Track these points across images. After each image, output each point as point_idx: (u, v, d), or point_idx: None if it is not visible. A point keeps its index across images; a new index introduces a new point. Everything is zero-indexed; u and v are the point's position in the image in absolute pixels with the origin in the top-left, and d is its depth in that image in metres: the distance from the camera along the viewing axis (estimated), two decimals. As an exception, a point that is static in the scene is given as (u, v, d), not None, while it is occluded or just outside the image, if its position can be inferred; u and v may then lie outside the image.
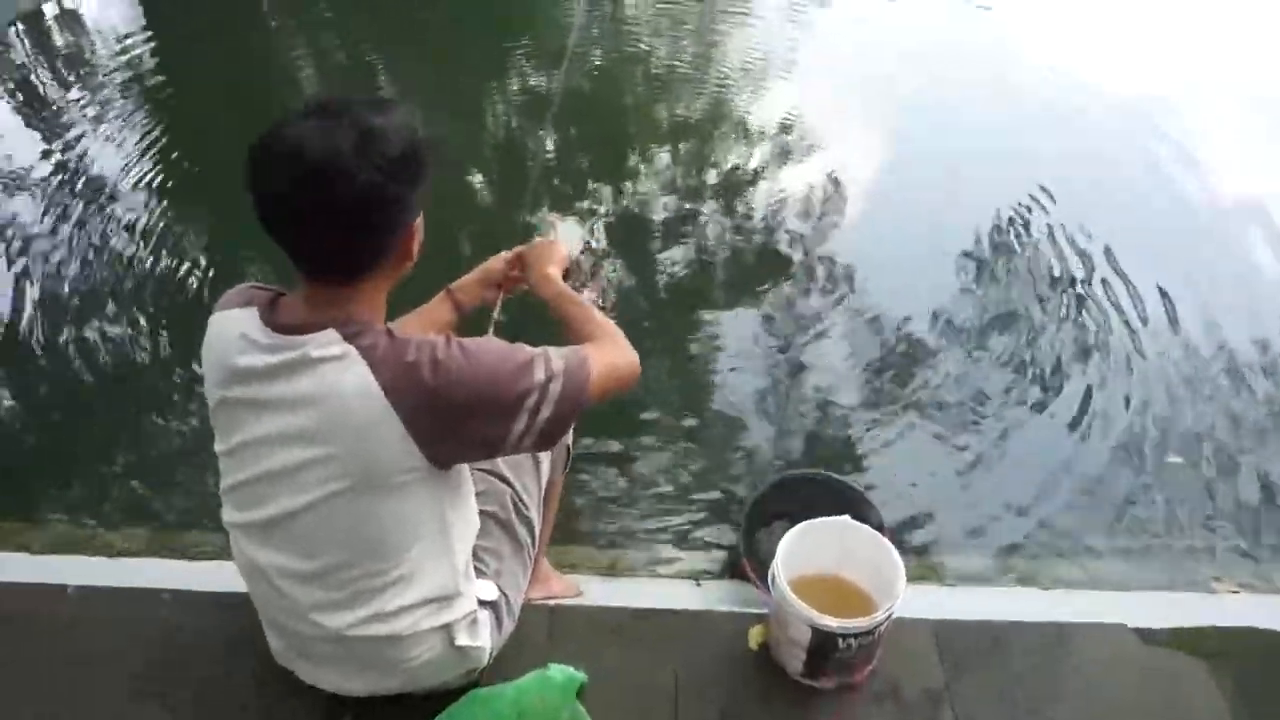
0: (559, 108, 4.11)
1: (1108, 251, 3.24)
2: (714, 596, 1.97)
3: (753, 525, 2.03)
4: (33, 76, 4.57)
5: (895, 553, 1.61)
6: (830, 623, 1.51)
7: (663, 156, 3.99)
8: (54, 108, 4.25)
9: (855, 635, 1.53)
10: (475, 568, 1.45)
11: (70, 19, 5.09)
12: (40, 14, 5.00)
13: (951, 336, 2.97)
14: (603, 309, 1.51)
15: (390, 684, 1.42)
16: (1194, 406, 2.72)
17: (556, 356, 1.26)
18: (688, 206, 3.59)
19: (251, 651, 1.52)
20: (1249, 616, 1.90)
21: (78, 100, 4.30)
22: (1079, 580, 2.20)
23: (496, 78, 4.54)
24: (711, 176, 3.83)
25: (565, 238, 1.69)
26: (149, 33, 4.85)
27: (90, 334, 2.95)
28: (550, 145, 4.03)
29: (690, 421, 2.67)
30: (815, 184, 3.69)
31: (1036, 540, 2.35)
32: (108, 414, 2.71)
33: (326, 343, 1.17)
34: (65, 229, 3.40)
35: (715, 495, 2.44)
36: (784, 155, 3.97)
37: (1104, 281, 3.13)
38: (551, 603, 1.79)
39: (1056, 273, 3.20)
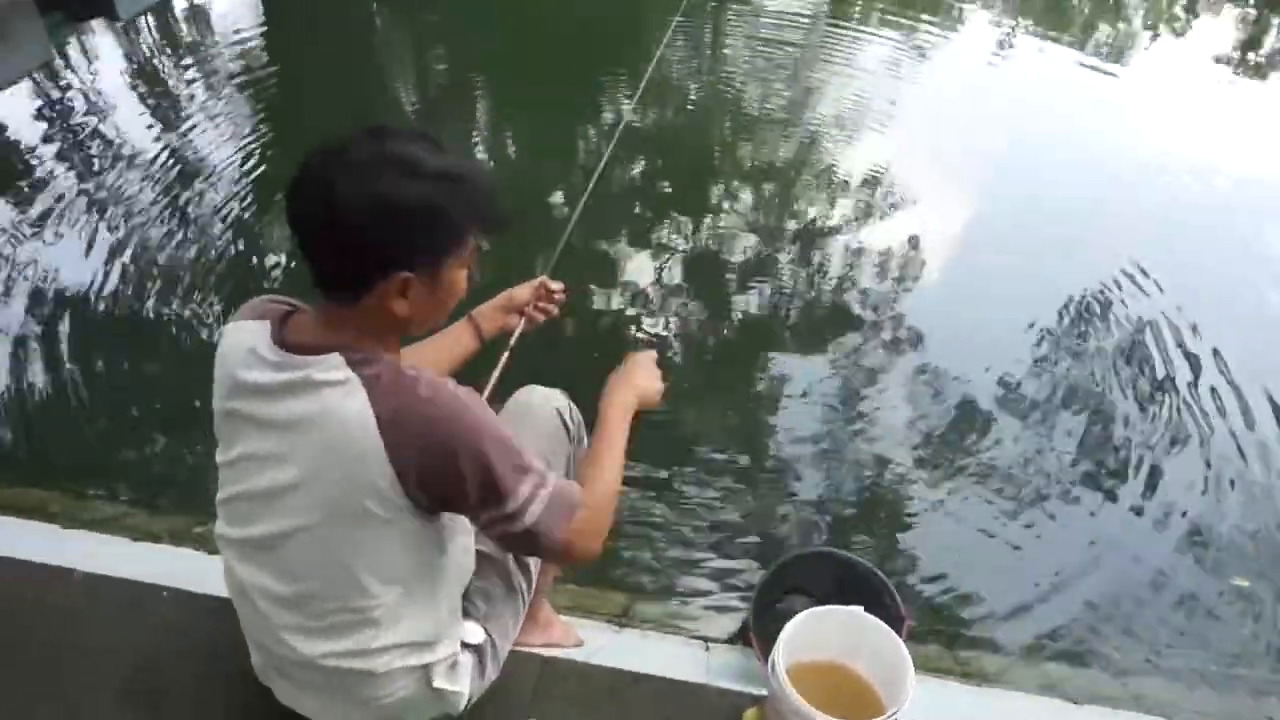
0: (639, 139, 4.13)
1: (1206, 344, 3.09)
2: (719, 665, 1.88)
3: (767, 597, 1.94)
4: (156, 62, 4.84)
5: (906, 652, 1.51)
6: (826, 722, 1.42)
7: (746, 197, 3.96)
8: (170, 95, 4.48)
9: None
10: (464, 607, 1.41)
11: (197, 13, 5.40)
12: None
13: (1014, 409, 2.86)
14: None
15: (358, 718, 1.38)
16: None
17: (552, 487, 1.21)
18: (766, 250, 3.55)
19: (234, 664, 1.50)
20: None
21: (189, 87, 4.52)
22: (1118, 697, 2.02)
23: (588, 106, 4.60)
24: (792, 224, 3.78)
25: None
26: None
27: (168, 312, 3.06)
28: (636, 175, 4.03)
29: (737, 462, 2.62)
30: (895, 241, 3.61)
31: (1075, 642, 2.20)
32: (174, 396, 2.76)
33: (330, 367, 1.15)
34: (160, 210, 3.55)
35: (747, 543, 2.38)
36: (867, 209, 3.89)
37: (1192, 376, 2.97)
38: (546, 652, 1.72)
39: (1155, 367, 3.04)
